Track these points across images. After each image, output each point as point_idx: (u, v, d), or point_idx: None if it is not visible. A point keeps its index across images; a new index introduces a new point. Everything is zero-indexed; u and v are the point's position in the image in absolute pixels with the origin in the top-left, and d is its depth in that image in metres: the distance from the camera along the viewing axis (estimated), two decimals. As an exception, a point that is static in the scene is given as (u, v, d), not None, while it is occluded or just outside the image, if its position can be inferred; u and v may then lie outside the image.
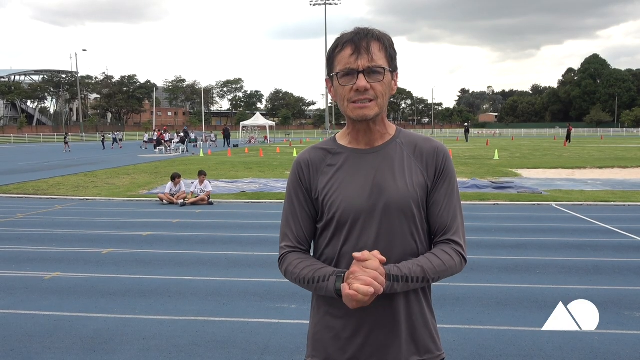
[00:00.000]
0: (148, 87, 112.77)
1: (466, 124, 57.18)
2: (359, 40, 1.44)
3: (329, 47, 1.55)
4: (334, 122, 78.96)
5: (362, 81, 1.43)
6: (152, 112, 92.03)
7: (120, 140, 44.79)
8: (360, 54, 1.43)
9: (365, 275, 1.32)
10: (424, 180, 1.50)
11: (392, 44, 1.51)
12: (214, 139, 41.71)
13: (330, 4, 64.89)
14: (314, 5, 66.02)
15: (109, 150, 37.28)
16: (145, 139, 42.33)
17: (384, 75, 1.45)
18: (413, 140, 1.56)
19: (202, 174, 11.49)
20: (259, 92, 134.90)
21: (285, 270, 1.56)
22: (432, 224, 1.53)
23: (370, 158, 1.52)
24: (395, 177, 1.48)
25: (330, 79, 1.53)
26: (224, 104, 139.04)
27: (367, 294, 1.30)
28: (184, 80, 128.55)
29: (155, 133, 42.76)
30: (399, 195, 1.46)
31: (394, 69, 1.51)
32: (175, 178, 11.53)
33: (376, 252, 1.37)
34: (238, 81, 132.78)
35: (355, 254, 1.36)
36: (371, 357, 1.48)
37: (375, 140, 1.54)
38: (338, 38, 1.50)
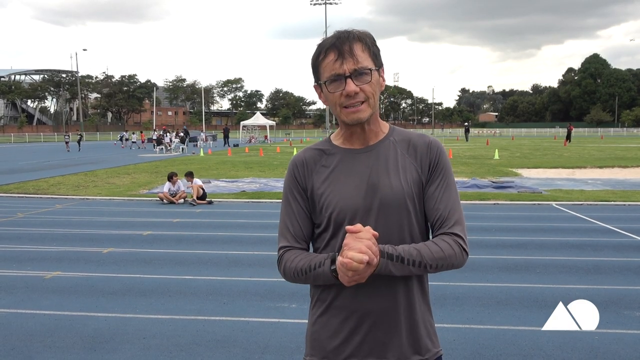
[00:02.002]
0: (148, 87, 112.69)
1: (466, 123, 57.14)
2: (341, 44, 1.43)
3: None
4: (334, 122, 79.06)
5: (350, 85, 1.43)
6: (153, 111, 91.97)
7: (127, 140, 44.50)
8: (344, 58, 1.42)
9: (359, 244, 1.30)
10: (418, 176, 1.50)
11: (373, 42, 1.50)
12: (195, 141, 41.25)
13: (331, 3, 64.65)
14: (314, 4, 65.76)
15: (109, 151, 37.25)
16: (134, 139, 42.79)
17: (371, 76, 1.45)
18: (406, 137, 1.56)
19: (174, 176, 11.62)
20: (259, 91, 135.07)
21: (284, 268, 1.53)
22: (429, 217, 1.52)
23: (365, 157, 1.52)
24: (390, 176, 1.49)
25: (318, 86, 1.53)
26: (224, 104, 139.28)
27: (361, 262, 1.27)
28: (184, 80, 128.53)
29: (141, 134, 43.30)
30: (394, 193, 1.47)
31: (379, 65, 1.50)
32: (172, 177, 11.55)
33: (368, 227, 1.35)
34: (238, 81, 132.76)
35: (348, 227, 1.34)
36: (369, 355, 1.48)
37: (369, 139, 1.54)
38: (319, 45, 1.49)
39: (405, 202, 1.47)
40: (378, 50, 1.51)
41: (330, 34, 1.50)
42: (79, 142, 38.00)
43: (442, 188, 1.50)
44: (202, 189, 11.40)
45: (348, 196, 1.48)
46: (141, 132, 45.84)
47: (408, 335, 1.49)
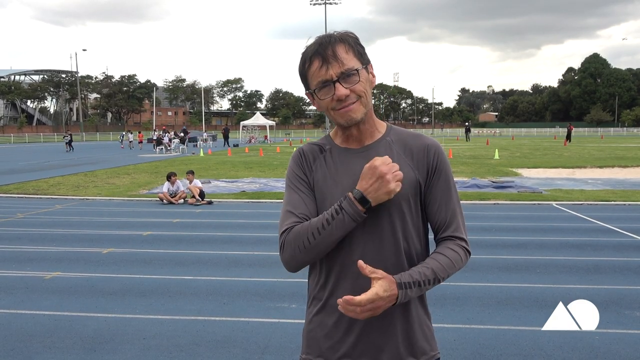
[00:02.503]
0: (148, 87, 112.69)
1: (467, 123, 57.00)
2: (324, 49, 1.42)
3: None
4: (333, 122, 79.01)
5: (340, 90, 1.42)
6: (152, 111, 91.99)
7: (125, 140, 44.31)
8: (329, 63, 1.41)
9: (390, 173, 1.37)
10: (415, 178, 1.49)
11: (356, 41, 1.48)
12: (195, 141, 41.05)
13: (330, 3, 64.45)
14: (314, 4, 65.59)
15: (109, 151, 37.25)
16: (130, 139, 43.03)
17: (359, 75, 1.44)
18: (403, 138, 1.54)
19: (173, 175, 11.60)
20: (259, 91, 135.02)
21: (293, 244, 1.43)
22: (431, 221, 1.53)
23: (361, 157, 1.51)
24: None
25: (309, 93, 1.52)
26: (224, 104, 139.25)
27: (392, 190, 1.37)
28: (184, 80, 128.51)
29: (139, 134, 43.49)
30: None
31: (366, 63, 1.48)
32: (170, 177, 11.54)
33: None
34: (238, 81, 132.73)
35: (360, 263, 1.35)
36: (362, 356, 1.47)
37: (365, 139, 1.53)
38: (303, 53, 1.47)
39: (400, 203, 1.46)
40: (362, 48, 1.49)
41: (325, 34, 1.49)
42: (69, 143, 35.94)
43: (443, 192, 1.50)
44: (201, 190, 11.39)
45: (342, 196, 1.47)
46: (139, 133, 45.88)
47: (403, 337, 1.49)
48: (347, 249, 1.46)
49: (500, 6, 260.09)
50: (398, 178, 1.38)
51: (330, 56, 1.41)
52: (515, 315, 4.50)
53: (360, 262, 1.34)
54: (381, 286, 1.32)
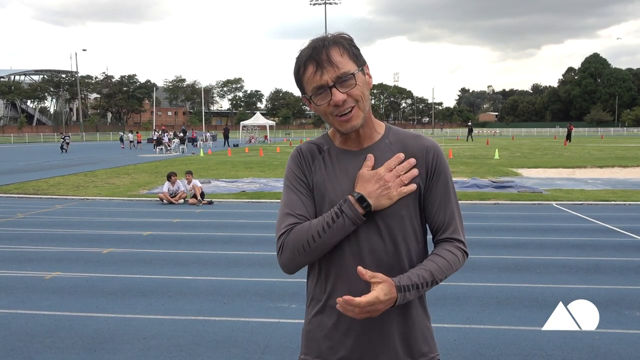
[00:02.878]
0: (148, 87, 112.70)
1: (469, 123, 56.89)
2: (318, 54, 1.39)
3: None
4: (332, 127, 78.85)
5: (337, 95, 1.39)
6: (152, 111, 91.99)
7: (130, 141, 44.13)
8: (323, 68, 1.38)
9: (392, 181, 1.42)
10: (414, 179, 1.48)
11: (351, 43, 1.45)
12: (195, 141, 40.88)
13: (331, 3, 64.41)
14: (314, 4, 65.53)
15: (109, 151, 37.24)
16: (130, 139, 43.13)
17: (356, 79, 1.41)
18: (402, 139, 1.53)
19: (173, 175, 11.60)
20: (259, 91, 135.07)
21: (292, 247, 1.43)
22: (430, 223, 1.53)
23: (360, 160, 1.49)
24: None
25: (306, 98, 1.50)
26: (224, 104, 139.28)
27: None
28: (184, 80, 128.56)
29: (137, 134, 43.51)
30: None
31: (361, 65, 1.45)
32: (171, 177, 11.54)
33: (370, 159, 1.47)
34: (238, 81, 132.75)
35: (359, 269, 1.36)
36: (361, 357, 1.47)
37: (364, 141, 1.52)
38: (298, 58, 1.45)
39: (398, 206, 1.45)
40: (357, 49, 1.46)
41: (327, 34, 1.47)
42: (61, 145, 34.78)
43: (442, 194, 1.50)
44: (201, 190, 11.40)
45: (340, 199, 1.46)
46: (137, 133, 45.98)
47: (402, 339, 1.48)
48: (347, 250, 1.45)
49: (500, 6, 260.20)
50: (400, 185, 1.42)
51: (324, 61, 1.39)
52: (515, 315, 4.50)
53: (360, 268, 1.33)
54: (382, 289, 1.32)
